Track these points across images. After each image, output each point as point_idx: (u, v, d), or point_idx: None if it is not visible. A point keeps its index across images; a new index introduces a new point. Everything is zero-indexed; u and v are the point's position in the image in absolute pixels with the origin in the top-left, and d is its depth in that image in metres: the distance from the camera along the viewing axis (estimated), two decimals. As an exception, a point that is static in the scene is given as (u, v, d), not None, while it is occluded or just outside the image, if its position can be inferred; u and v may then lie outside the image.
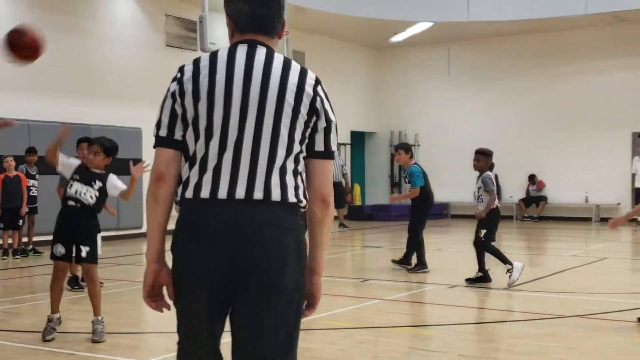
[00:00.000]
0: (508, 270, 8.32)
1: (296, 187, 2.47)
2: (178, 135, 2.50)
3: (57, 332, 6.05)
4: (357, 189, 22.45)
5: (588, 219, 19.77)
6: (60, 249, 6.04)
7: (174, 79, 2.53)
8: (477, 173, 8.80)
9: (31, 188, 12.00)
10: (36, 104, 13.89)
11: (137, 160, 6.58)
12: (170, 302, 2.54)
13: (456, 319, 6.97)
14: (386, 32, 20.67)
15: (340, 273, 10.09)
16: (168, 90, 2.53)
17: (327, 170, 2.55)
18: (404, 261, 10.18)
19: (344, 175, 17.18)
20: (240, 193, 2.40)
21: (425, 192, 10.00)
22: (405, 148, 10.31)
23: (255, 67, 2.48)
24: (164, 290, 2.54)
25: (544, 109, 20.67)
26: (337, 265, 11.17)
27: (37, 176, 12.29)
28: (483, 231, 8.52)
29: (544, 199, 20.53)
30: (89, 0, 15.11)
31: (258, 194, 2.40)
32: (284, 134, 2.44)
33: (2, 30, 4.67)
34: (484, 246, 8.51)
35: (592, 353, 5.54)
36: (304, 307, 2.55)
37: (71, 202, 6.09)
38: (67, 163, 6.27)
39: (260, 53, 2.51)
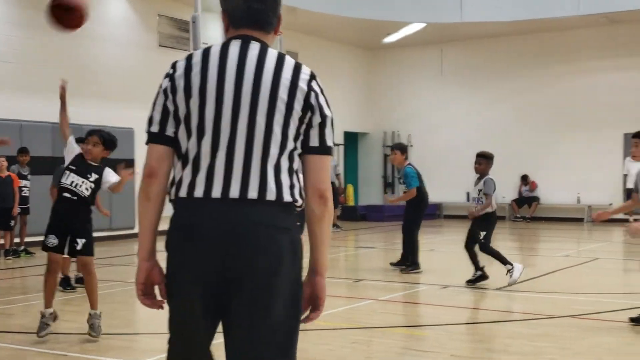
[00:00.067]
0: (509, 271, 8.33)
1: (291, 186, 2.43)
2: (170, 131, 2.47)
3: (49, 334, 6.02)
4: (350, 189, 22.46)
5: (580, 220, 19.83)
6: (52, 240, 6.02)
7: (167, 75, 2.50)
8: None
9: (23, 188, 11.96)
10: (28, 104, 13.84)
11: (130, 161, 6.57)
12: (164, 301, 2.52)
13: (449, 319, 6.98)
14: (379, 33, 20.69)
15: (334, 273, 10.09)
16: (160, 86, 2.50)
17: (323, 166, 2.48)
18: (402, 262, 10.18)
19: (337, 175, 17.18)
20: (234, 192, 2.37)
21: (421, 193, 10.02)
22: (402, 149, 10.33)
23: (248, 63, 2.44)
24: (157, 289, 2.52)
25: (536, 110, 20.74)
26: (330, 266, 11.08)
27: (29, 176, 12.25)
28: (482, 233, 8.53)
29: (536, 199, 20.59)
30: (81, 0, 15.05)
31: (252, 193, 2.37)
32: (277, 131, 2.40)
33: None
34: (484, 248, 8.51)
35: (585, 353, 5.55)
36: (307, 311, 2.51)
37: (66, 194, 6.07)
38: (73, 147, 6.25)
39: (254, 48, 2.47)
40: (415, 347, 5.89)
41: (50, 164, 12.65)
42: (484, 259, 8.84)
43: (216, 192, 2.38)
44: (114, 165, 6.44)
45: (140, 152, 13.50)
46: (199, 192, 2.40)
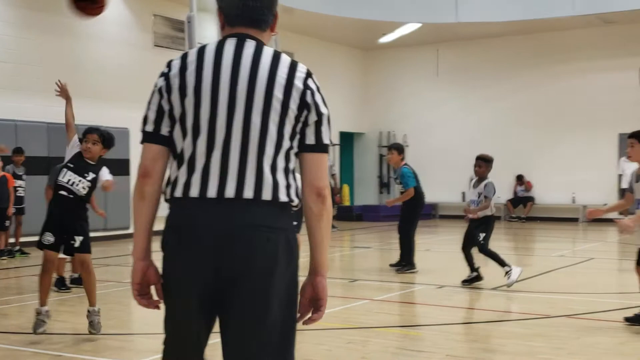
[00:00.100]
0: (507, 272, 8.34)
1: (288, 186, 2.42)
2: (165, 131, 2.46)
3: (43, 334, 6.01)
4: (346, 189, 22.47)
5: (575, 220, 19.87)
6: (49, 238, 6.02)
7: (162, 74, 2.49)
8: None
9: (18, 189, 11.93)
10: (23, 103, 13.81)
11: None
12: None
13: (445, 319, 6.98)
14: (375, 33, 20.70)
15: (329, 273, 9.98)
16: (155, 85, 2.48)
17: (320, 163, 2.45)
18: (401, 263, 10.18)
19: (332, 175, 17.19)
20: (229, 192, 2.36)
21: (417, 193, 10.04)
22: (399, 149, 10.34)
23: (243, 61, 2.42)
24: (153, 289, 2.51)
25: (532, 110, 20.78)
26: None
27: (24, 177, 12.22)
28: (482, 235, 8.53)
29: (531, 199, 20.62)
30: (76, -1, 15.02)
31: (248, 193, 2.36)
32: (273, 130, 2.38)
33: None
34: (483, 250, 8.50)
35: (579, 353, 5.56)
36: (309, 312, 2.49)
37: (63, 192, 6.06)
38: (75, 146, 6.21)
39: (249, 47, 2.45)
40: (410, 347, 5.89)
41: (46, 164, 12.65)
42: (479, 260, 8.86)
43: (212, 192, 2.37)
44: (109, 165, 6.42)
45: (135, 152, 13.48)
46: (194, 192, 2.38)
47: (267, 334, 2.37)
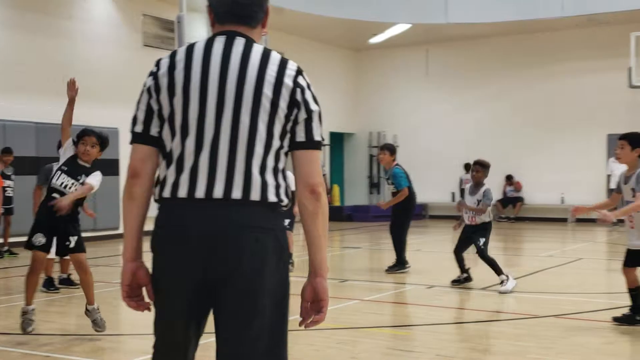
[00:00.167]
0: (502, 281, 8.34)
1: (277, 186, 2.39)
2: (154, 131, 2.44)
3: (32, 334, 5.99)
4: (336, 189, 22.48)
5: (564, 220, 19.95)
6: (40, 239, 5.97)
7: (150, 74, 2.46)
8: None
9: (6, 189, 11.86)
10: (12, 103, 13.74)
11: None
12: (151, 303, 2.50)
13: (434, 319, 7.00)
14: (365, 34, 20.72)
15: (308, 272, 10.07)
16: (144, 85, 2.46)
17: (311, 160, 2.41)
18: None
19: (323, 175, 17.19)
20: (218, 192, 2.34)
21: (409, 193, 10.07)
22: (391, 149, 10.35)
23: (232, 59, 2.39)
24: (144, 290, 2.50)
25: (521, 110, 20.86)
26: (302, 267, 11.14)
27: (12, 177, 12.16)
28: (482, 239, 8.51)
29: (520, 199, 20.70)
30: (65, -1, 14.98)
31: (236, 194, 2.33)
32: (262, 129, 2.35)
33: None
34: (482, 255, 8.48)
35: (568, 353, 5.59)
36: (312, 315, 2.46)
37: (56, 195, 6.02)
38: (69, 148, 6.16)
39: (239, 45, 2.42)
40: (400, 347, 5.90)
41: (34, 164, 12.57)
42: (468, 261, 8.87)
43: (200, 193, 2.35)
44: (98, 165, 6.38)
45: (125, 151, 13.43)
46: (182, 192, 2.37)
47: (257, 334, 2.35)
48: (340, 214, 21.24)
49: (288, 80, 2.39)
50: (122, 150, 14.51)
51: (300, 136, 2.41)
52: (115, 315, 7.21)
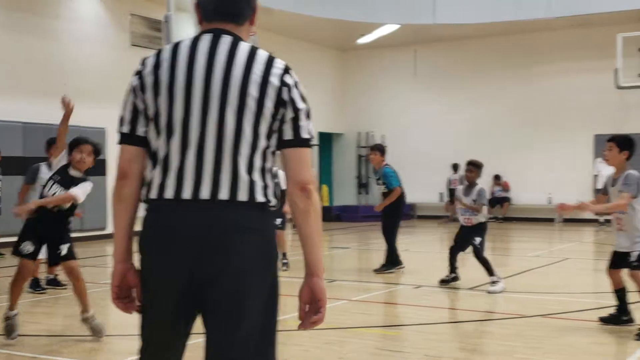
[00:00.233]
0: (493, 282, 8.37)
1: (265, 187, 2.37)
2: (140, 131, 2.42)
3: (18, 335, 5.95)
4: (324, 189, 22.49)
5: (551, 220, 20.04)
6: (29, 247, 5.92)
7: (136, 73, 2.44)
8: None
9: (-7, 189, 11.78)
10: (-2, 103, 13.66)
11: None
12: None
13: (423, 319, 7.01)
14: (353, 34, 20.74)
15: (304, 273, 10.07)
16: (130, 84, 2.44)
17: (300, 158, 2.37)
18: (395, 263, 10.20)
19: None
20: (204, 193, 2.32)
21: (400, 193, 10.12)
22: (381, 150, 10.39)
23: (218, 58, 2.35)
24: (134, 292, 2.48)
25: (508, 111, 20.95)
26: (301, 267, 11.14)
27: (0, 177, 12.08)
28: (478, 239, 8.52)
29: (507, 199, 20.77)
30: (52, -2, 14.90)
31: (223, 194, 2.31)
32: (248, 129, 2.32)
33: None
34: (478, 254, 8.49)
35: (556, 352, 5.61)
36: (307, 316, 2.43)
37: (48, 205, 5.96)
38: (64, 158, 6.09)
39: (225, 43, 2.39)
40: (388, 347, 5.91)
41: (21, 164, 12.49)
42: (458, 261, 8.90)
43: (186, 194, 2.33)
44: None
45: (112, 152, 13.39)
46: (169, 193, 2.35)
47: (246, 335, 2.33)
48: (328, 214, 21.25)
49: (274, 79, 2.36)
50: (109, 150, 14.46)
51: (288, 135, 2.38)
52: (102, 316, 7.18)
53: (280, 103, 2.35)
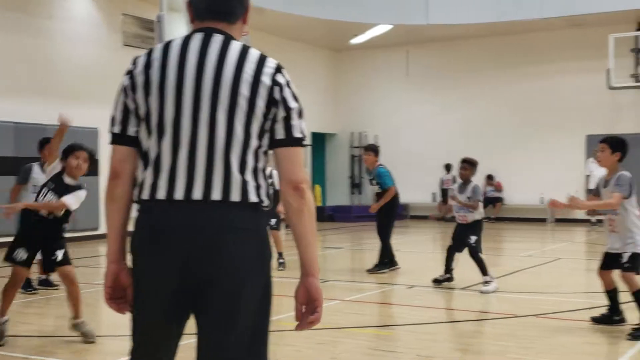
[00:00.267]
0: (486, 282, 8.38)
1: (257, 187, 2.36)
2: (131, 131, 2.41)
3: (9, 336, 5.93)
4: (317, 189, 22.50)
5: (543, 220, 20.11)
6: (22, 254, 5.87)
7: (127, 72, 2.43)
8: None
9: (-16, 189, 11.73)
10: (-11, 103, 13.60)
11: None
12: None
13: (415, 319, 7.02)
14: (346, 34, 20.75)
15: (298, 274, 10.06)
16: (121, 84, 2.43)
17: (293, 157, 2.36)
18: (391, 263, 10.20)
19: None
20: (197, 194, 2.31)
21: (394, 193, 10.14)
22: (375, 150, 10.41)
23: (209, 57, 2.34)
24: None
25: (501, 111, 20.99)
26: (297, 266, 11.13)
27: (-10, 177, 12.02)
28: (473, 238, 8.53)
29: (500, 199, 20.82)
30: (44, -2, 14.85)
31: (216, 195, 2.30)
32: (239, 129, 2.31)
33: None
34: (473, 253, 8.49)
35: (548, 352, 5.63)
36: (303, 316, 2.42)
37: (42, 212, 5.93)
38: (58, 166, 6.06)
39: (216, 42, 2.37)
40: (381, 347, 5.91)
41: (13, 164, 12.45)
42: (454, 261, 8.90)
43: (179, 194, 2.32)
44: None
45: (105, 152, 13.34)
46: (161, 194, 2.34)
47: (240, 335, 2.33)
48: (321, 214, 21.25)
49: (266, 79, 2.34)
50: (101, 150, 14.42)
51: (280, 134, 2.37)
52: (94, 316, 7.16)
53: (272, 102, 2.34)
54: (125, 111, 2.42)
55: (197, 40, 2.39)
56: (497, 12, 18.29)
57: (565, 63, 20.16)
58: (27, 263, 5.95)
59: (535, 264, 11.22)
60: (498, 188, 20.82)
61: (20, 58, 14.05)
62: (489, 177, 20.81)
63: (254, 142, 2.35)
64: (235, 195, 2.32)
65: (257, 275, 2.36)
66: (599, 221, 17.03)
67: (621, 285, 6.37)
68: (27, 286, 8.33)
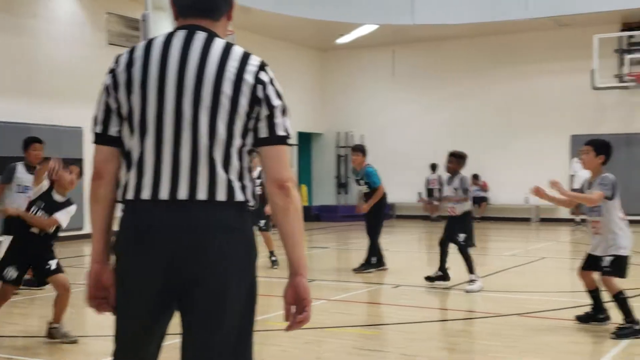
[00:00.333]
0: (471, 280, 8.41)
1: (243, 187, 2.35)
2: (113, 131, 2.39)
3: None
4: (304, 189, 22.49)
5: (528, 220, 20.21)
6: (12, 273, 5.85)
7: (110, 71, 2.41)
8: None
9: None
10: (-27, 102, 13.50)
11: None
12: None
13: (400, 319, 7.04)
14: (332, 34, 20.75)
15: (286, 273, 10.05)
16: (103, 83, 2.41)
17: (277, 156, 2.33)
18: (379, 263, 10.22)
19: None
20: (182, 194, 2.29)
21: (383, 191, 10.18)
22: (363, 151, 10.43)
23: (191, 55, 2.31)
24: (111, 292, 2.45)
25: (486, 111, 21.07)
26: (283, 266, 11.13)
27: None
28: (462, 235, 8.53)
29: (485, 199, 20.90)
30: (29, -4, 14.75)
31: (202, 195, 2.29)
32: (222, 128, 2.29)
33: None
34: (462, 250, 8.49)
35: (532, 351, 5.66)
36: (292, 316, 2.40)
37: (33, 229, 5.90)
38: (44, 186, 6.02)
39: (199, 39, 2.34)
40: (366, 346, 5.92)
41: (-3, 164, 12.36)
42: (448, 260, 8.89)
43: (164, 194, 2.31)
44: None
45: (89, 151, 13.26)
46: (146, 194, 2.32)
47: (224, 335, 2.32)
48: (308, 214, 21.25)
49: (249, 77, 2.32)
50: (85, 150, 14.37)
51: (264, 132, 2.35)
52: (77, 317, 7.13)
53: (255, 101, 2.32)
54: (108, 111, 2.40)
55: (179, 37, 2.37)
56: (482, 13, 18.37)
57: (550, 63, 20.27)
58: (17, 282, 5.95)
59: (519, 263, 11.27)
60: (484, 188, 20.90)
61: (5, 57, 13.95)
62: (475, 177, 20.87)
63: (237, 141, 2.33)
64: (221, 195, 2.31)
65: (243, 275, 2.35)
66: (583, 220, 17.13)
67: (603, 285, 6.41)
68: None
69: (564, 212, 19.12)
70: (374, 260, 10.16)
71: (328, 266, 11.26)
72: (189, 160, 2.31)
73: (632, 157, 18.94)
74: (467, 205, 8.67)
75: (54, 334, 5.89)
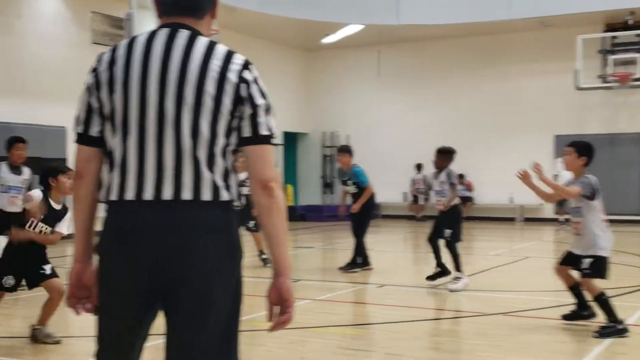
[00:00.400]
0: (456, 277, 8.42)
1: (227, 187, 2.33)
2: (94, 131, 2.37)
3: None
4: (289, 189, 22.48)
5: (512, 219, 20.30)
6: (10, 281, 5.85)
7: (92, 70, 2.38)
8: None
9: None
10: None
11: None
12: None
13: (385, 318, 7.05)
14: (317, 34, 20.76)
15: (271, 273, 10.04)
16: (85, 83, 2.39)
17: (261, 155, 2.30)
18: (364, 263, 10.20)
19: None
20: (167, 194, 2.27)
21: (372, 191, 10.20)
22: (350, 151, 10.43)
23: (174, 53, 2.28)
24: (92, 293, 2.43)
25: (471, 111, 21.16)
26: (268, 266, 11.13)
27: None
28: (448, 231, 8.54)
29: (469, 199, 20.97)
30: (12, -5, 14.64)
31: (187, 195, 2.27)
32: (205, 128, 2.26)
33: None
34: (449, 246, 8.50)
35: (517, 350, 5.68)
36: (275, 317, 2.38)
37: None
38: (37, 198, 5.96)
39: (182, 37, 2.31)
40: (351, 346, 5.92)
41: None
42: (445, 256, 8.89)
43: (148, 194, 2.29)
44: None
45: (72, 151, 13.17)
46: (130, 194, 2.30)
47: (209, 335, 2.31)
48: (293, 214, 21.24)
49: (232, 76, 2.30)
50: (69, 149, 14.27)
51: (247, 132, 2.32)
52: (61, 317, 7.07)
53: (238, 100, 2.30)
54: (89, 110, 2.38)
55: (162, 36, 2.34)
56: (467, 13, 18.45)
57: (534, 64, 20.38)
58: (14, 289, 5.96)
59: (504, 263, 11.32)
60: (469, 188, 20.97)
61: (-12, 56, 13.85)
62: (460, 177, 20.92)
63: (221, 141, 2.31)
64: (206, 195, 2.29)
65: (228, 275, 2.34)
66: (567, 220, 17.23)
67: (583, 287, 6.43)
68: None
69: (548, 212, 19.25)
70: (360, 260, 10.17)
71: (313, 266, 11.26)
72: (173, 160, 2.28)
73: (616, 157, 19.09)
74: (455, 200, 8.70)
75: (37, 335, 5.86)
